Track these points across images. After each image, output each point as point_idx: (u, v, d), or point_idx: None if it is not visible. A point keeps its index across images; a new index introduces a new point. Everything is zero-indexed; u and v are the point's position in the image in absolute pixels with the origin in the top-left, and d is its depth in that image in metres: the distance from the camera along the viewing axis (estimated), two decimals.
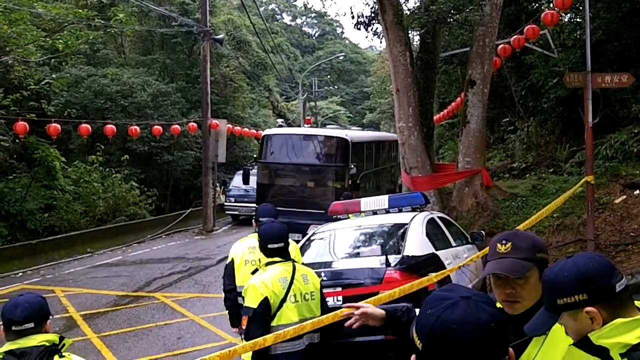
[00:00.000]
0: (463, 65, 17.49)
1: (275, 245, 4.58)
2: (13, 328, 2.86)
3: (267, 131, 18.03)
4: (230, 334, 8.90)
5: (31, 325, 2.86)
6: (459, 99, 18.61)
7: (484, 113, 13.58)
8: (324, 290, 5.83)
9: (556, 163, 16.85)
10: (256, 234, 5.83)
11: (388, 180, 22.12)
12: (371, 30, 17.47)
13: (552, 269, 2.05)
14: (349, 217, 8.62)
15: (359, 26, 16.91)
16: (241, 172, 21.28)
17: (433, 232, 7.75)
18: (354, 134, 17.83)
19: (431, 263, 6.84)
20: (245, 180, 20.59)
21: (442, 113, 23.47)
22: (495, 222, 12.49)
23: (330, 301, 6.14)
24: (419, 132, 13.52)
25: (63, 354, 2.90)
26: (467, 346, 1.42)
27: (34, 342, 2.84)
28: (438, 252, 7.19)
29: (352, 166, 15.32)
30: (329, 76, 70.43)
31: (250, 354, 4.16)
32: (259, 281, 4.35)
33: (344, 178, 15.30)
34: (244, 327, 4.25)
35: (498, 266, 2.41)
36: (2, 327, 2.95)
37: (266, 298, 4.26)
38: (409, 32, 15.48)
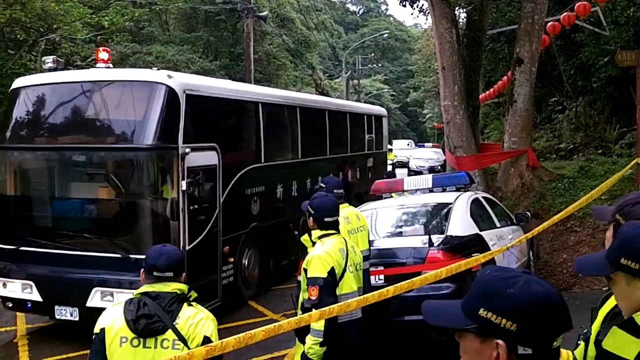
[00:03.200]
0: (510, 43, 17.12)
1: (331, 219, 4.78)
2: (154, 273, 3.16)
3: (17, 82, 8.55)
4: (272, 311, 9.00)
5: (171, 274, 3.16)
6: (505, 77, 18.24)
7: (532, 92, 13.28)
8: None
9: (605, 144, 16.44)
10: (343, 205, 5.90)
11: (353, 179, 13.99)
12: (417, 7, 17.28)
13: (634, 225, 1.97)
14: (391, 196, 8.57)
15: (404, 3, 16.73)
16: None
17: (477, 212, 7.65)
18: (199, 80, 9.13)
19: (475, 244, 6.76)
20: None
21: (487, 92, 23.06)
22: (541, 204, 12.27)
23: (372, 280, 6.15)
24: (465, 111, 13.30)
25: (191, 303, 3.20)
26: (561, 315, 1.42)
27: (169, 288, 3.13)
28: (482, 233, 7.10)
29: (188, 150, 7.43)
30: (372, 54, 69.75)
31: (322, 322, 4.29)
32: (323, 252, 4.53)
33: (167, 177, 7.41)
34: (313, 297, 4.38)
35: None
36: (142, 270, 3.24)
37: (332, 268, 4.47)
38: (456, 8, 15.21)
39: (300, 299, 4.73)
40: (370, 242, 6.32)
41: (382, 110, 18.73)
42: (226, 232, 8.55)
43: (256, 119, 9.80)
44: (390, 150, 38.57)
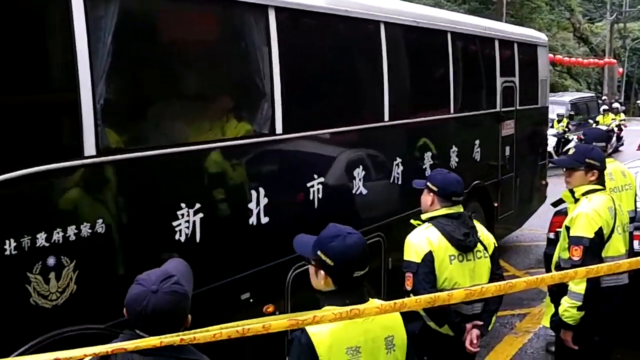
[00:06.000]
0: None
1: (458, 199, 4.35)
2: (453, 198, 3.62)
3: None
4: (514, 267, 8.68)
5: (462, 198, 3.68)
6: None
7: None
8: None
9: None
10: (609, 159, 5.40)
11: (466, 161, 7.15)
12: None
13: None
14: None
15: None
16: None
17: None
18: None
19: None
20: None
21: None
22: None
23: (635, 244, 5.58)
24: None
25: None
26: None
27: (462, 209, 3.67)
28: None
29: None
30: None
31: (583, 284, 3.98)
32: (592, 210, 4.16)
33: None
34: (575, 258, 4.05)
35: None
36: (432, 195, 3.66)
37: (600, 228, 4.11)
38: None
39: (555, 258, 4.41)
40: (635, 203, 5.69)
41: (534, 35, 9.88)
42: None
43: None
44: (610, 109, 23.07)
